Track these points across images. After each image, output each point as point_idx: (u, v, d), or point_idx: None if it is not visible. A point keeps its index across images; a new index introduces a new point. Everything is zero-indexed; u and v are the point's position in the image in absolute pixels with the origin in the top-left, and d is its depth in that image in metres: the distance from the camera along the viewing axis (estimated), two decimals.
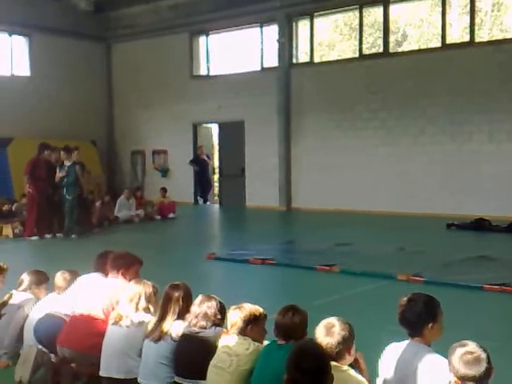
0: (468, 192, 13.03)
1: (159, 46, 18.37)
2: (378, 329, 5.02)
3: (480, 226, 11.08)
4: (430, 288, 6.99)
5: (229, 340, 3.34)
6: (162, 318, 3.63)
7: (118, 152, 19.80)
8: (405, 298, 3.10)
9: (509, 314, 6.17)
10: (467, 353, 2.51)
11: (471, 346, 2.54)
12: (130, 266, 4.22)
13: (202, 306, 3.54)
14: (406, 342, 3.06)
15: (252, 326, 3.35)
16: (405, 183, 13.98)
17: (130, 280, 4.04)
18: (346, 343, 2.93)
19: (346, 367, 2.92)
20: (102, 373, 3.74)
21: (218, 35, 18.06)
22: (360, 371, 3.02)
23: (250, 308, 3.40)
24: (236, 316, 3.37)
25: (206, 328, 3.50)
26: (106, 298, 4.00)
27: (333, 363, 2.80)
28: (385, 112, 14.37)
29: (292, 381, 2.54)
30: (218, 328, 3.51)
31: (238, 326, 3.35)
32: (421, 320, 3.00)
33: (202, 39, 18.24)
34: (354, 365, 3.03)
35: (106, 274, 4.29)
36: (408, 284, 7.18)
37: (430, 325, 3.00)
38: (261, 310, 3.44)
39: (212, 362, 3.28)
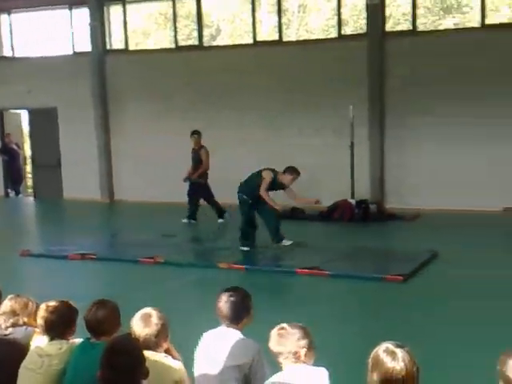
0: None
1: None
2: (197, 317, 5.10)
3: (294, 215, 11.91)
4: (249, 275, 7.53)
5: (41, 340, 3.23)
6: None
7: None
8: (224, 293, 3.30)
9: (320, 294, 6.83)
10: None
11: None
12: None
13: (8, 307, 3.40)
14: (221, 328, 3.28)
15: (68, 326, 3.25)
16: (218, 175, 14.37)
17: None
18: (163, 332, 3.04)
19: (162, 355, 3.02)
20: None
21: (22, 14, 16.90)
22: (175, 358, 3.14)
23: (60, 305, 3.28)
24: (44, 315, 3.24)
25: (14, 329, 3.35)
26: None
27: (149, 353, 2.88)
28: (204, 104, 14.65)
29: (104, 378, 2.52)
30: (29, 328, 3.37)
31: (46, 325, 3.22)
32: (240, 314, 3.25)
33: (4, 18, 16.93)
34: (168, 352, 3.13)
35: None
36: (229, 272, 7.59)
37: (246, 317, 3.29)
38: (71, 305, 3.34)
39: (23, 364, 3.11)
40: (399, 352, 2.25)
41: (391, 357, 2.23)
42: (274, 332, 2.85)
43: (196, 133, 12.04)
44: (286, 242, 8.83)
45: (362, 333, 5.34)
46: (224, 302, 3.24)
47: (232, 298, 3.25)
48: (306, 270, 7.45)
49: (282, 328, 2.85)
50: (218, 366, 3.11)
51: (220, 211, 11.70)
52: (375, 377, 2.24)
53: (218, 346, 3.18)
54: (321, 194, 12.81)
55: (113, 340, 2.81)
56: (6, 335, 3.31)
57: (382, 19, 13.34)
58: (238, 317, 3.24)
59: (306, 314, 5.62)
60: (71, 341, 3.23)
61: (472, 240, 9.20)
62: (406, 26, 13.62)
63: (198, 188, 11.72)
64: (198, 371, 3.23)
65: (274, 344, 2.82)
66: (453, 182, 12.39)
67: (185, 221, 11.56)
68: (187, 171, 11.95)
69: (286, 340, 2.79)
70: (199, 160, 11.78)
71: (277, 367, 2.87)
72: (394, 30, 13.71)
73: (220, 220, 11.59)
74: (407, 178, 12.93)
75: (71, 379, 3.01)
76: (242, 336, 3.22)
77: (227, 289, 3.35)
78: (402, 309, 6.18)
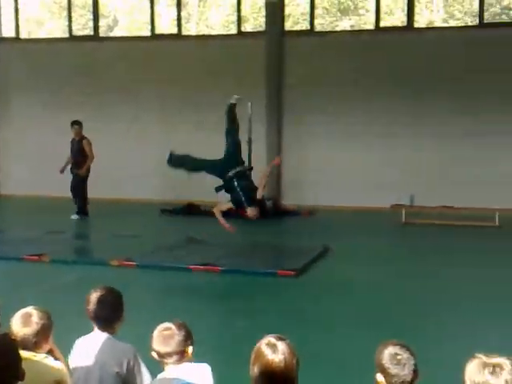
0: (178, 180, 13.63)
1: None
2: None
3: (191, 210, 11.76)
4: (141, 271, 7.34)
5: None
6: None
7: None
8: (94, 295, 3.08)
9: (212, 290, 6.77)
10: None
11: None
12: None
13: None
14: (93, 334, 3.09)
15: None
16: (117, 170, 14.01)
17: None
18: (44, 332, 2.88)
19: (42, 355, 2.87)
20: None
21: None
22: (57, 358, 2.99)
23: None
24: None
25: None
26: None
27: (28, 353, 2.74)
28: (98, 96, 14.21)
29: None
30: None
31: None
32: (112, 316, 3.06)
33: None
34: (51, 353, 2.98)
35: None
36: (120, 269, 7.36)
37: (119, 319, 3.09)
38: None
39: None
40: (280, 345, 2.26)
41: (272, 349, 2.24)
42: (159, 332, 2.73)
43: (77, 123, 11.61)
44: None
45: (252, 327, 5.32)
46: (94, 304, 3.04)
47: (103, 299, 3.05)
48: (200, 267, 7.37)
49: (168, 328, 2.74)
50: (94, 375, 2.95)
51: (82, 209, 11.34)
52: (256, 369, 2.25)
53: (91, 353, 2.99)
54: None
55: None
56: None
57: (281, 18, 13.50)
58: (110, 319, 3.05)
59: (195, 311, 5.58)
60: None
61: (361, 236, 9.52)
62: (304, 25, 13.87)
63: (81, 180, 11.38)
64: (74, 380, 3.03)
65: (158, 345, 2.71)
66: (346, 179, 12.77)
67: (74, 217, 11.15)
68: (66, 162, 11.62)
69: (171, 340, 2.70)
70: (80, 151, 11.39)
71: (156, 369, 2.77)
72: (293, 29, 13.92)
73: (74, 216, 11.22)
74: (304, 175, 13.18)
75: None
76: (115, 340, 3.04)
77: (98, 289, 3.14)
78: (292, 302, 6.24)
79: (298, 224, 11.03)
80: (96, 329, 3.06)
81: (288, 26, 13.87)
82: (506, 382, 1.97)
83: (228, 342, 5.00)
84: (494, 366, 2.00)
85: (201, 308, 5.78)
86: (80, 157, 11.38)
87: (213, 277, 7.16)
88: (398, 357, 2.27)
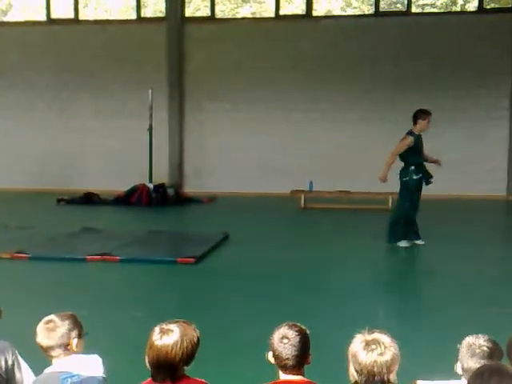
0: (76, 168, 13.35)
1: None
2: None
3: (89, 200, 11.51)
4: (35, 264, 7.10)
5: None
6: None
7: None
8: None
9: (109, 280, 6.68)
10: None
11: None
12: None
13: None
14: None
15: None
16: (11, 158, 13.49)
17: None
18: None
19: None
20: None
21: None
22: None
23: None
24: None
25: None
26: None
27: None
28: None
29: None
30: None
31: None
32: None
33: None
34: None
35: None
36: (13, 261, 7.11)
37: None
38: None
39: None
40: (174, 328, 2.32)
41: (166, 335, 2.29)
42: (41, 326, 2.66)
43: None
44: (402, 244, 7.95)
45: (148, 317, 5.29)
46: None
47: None
48: (97, 257, 7.22)
49: (50, 321, 2.67)
50: None
51: None
52: (149, 357, 2.30)
53: None
54: (119, 177, 12.65)
55: None
56: None
57: (182, 4, 13.39)
58: None
59: (89, 302, 5.48)
60: None
61: (261, 222, 9.69)
62: (205, 12, 13.83)
63: None
64: None
65: (42, 338, 2.64)
66: (247, 166, 12.93)
67: None
68: None
69: (55, 333, 2.63)
70: None
71: (40, 363, 2.71)
72: (194, 15, 13.85)
73: None
74: (205, 162, 13.23)
75: None
76: None
77: None
78: (191, 290, 6.26)
79: (199, 211, 11.06)
80: None
81: (189, 12, 13.79)
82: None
83: (116, 332, 4.94)
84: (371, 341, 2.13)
85: (96, 299, 5.69)
86: None
87: (110, 267, 7.05)
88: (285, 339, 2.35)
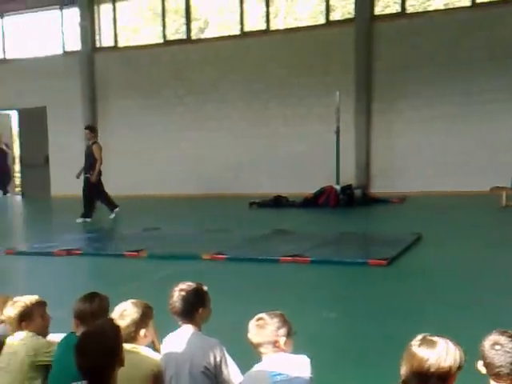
0: (268, 172, 13.87)
1: None
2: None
3: (278, 202, 11.84)
4: (232, 264, 7.47)
5: (12, 337, 3.20)
6: None
7: None
8: (175, 290, 3.15)
9: (302, 281, 6.77)
10: None
11: None
12: None
13: None
14: (179, 330, 3.14)
15: (28, 319, 3.22)
16: (212, 166, 14.45)
17: None
18: (137, 325, 2.98)
19: (137, 347, 2.96)
20: None
21: (14, 17, 16.96)
22: (156, 350, 3.09)
23: (24, 300, 3.25)
24: (10, 311, 3.23)
25: None
26: None
27: (127, 346, 2.83)
28: (191, 97, 14.67)
29: (78, 365, 2.45)
30: (8, 325, 3.32)
31: (12, 321, 3.22)
32: (192, 308, 3.10)
33: None
34: (152, 345, 3.09)
35: None
36: (212, 262, 7.53)
37: (201, 311, 3.13)
38: (34, 299, 3.29)
39: None
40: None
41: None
42: (253, 323, 2.80)
43: (87, 127, 11.73)
44: None
45: (342, 318, 5.26)
46: (174, 299, 3.12)
47: (183, 293, 3.13)
48: (289, 258, 7.38)
49: (260, 318, 2.80)
50: (184, 371, 3.00)
51: (87, 212, 11.38)
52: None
53: (179, 349, 3.05)
54: (306, 180, 12.88)
55: (88, 327, 2.76)
56: None
57: (371, 2, 13.24)
58: (189, 310, 3.11)
59: (286, 302, 5.57)
60: (51, 335, 3.19)
61: (457, 221, 9.13)
62: (395, 8, 13.51)
63: (92, 185, 11.35)
64: (167, 377, 3.07)
65: (252, 335, 2.77)
66: (440, 164, 12.31)
67: (80, 221, 11.33)
68: (82, 168, 11.61)
69: (264, 330, 2.75)
70: (92, 155, 11.33)
71: (247, 360, 2.83)
72: (383, 13, 13.61)
73: (112, 215, 11.44)
74: (393, 162, 12.88)
75: (57, 374, 2.96)
76: (201, 335, 3.10)
77: (178, 284, 3.22)
78: (384, 293, 6.09)
79: (387, 212, 10.78)
80: (182, 324, 3.13)
81: (377, 10, 13.59)
82: None
83: (319, 333, 4.94)
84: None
85: (290, 299, 5.78)
86: (90, 161, 11.38)
87: (302, 268, 7.14)
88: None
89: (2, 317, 3.35)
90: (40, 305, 3.29)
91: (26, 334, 3.17)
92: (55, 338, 3.25)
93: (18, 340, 3.16)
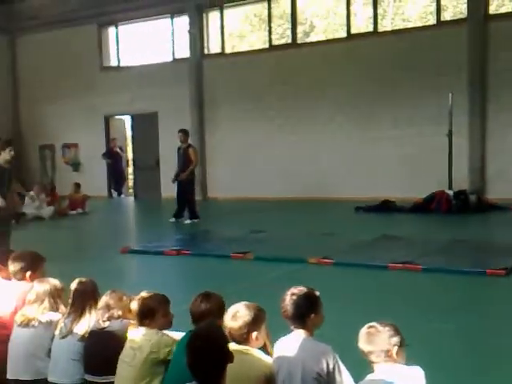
0: (374, 176, 13.59)
1: (67, 37, 17.84)
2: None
3: (386, 207, 11.55)
4: (338, 269, 7.33)
5: (135, 333, 3.29)
6: (70, 316, 3.55)
7: (25, 147, 19.08)
8: (287, 294, 3.12)
9: (413, 289, 6.51)
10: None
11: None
12: (36, 267, 4.08)
13: (104, 302, 3.49)
14: (291, 335, 3.10)
15: (151, 316, 3.28)
16: (315, 169, 14.36)
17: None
18: (249, 327, 2.97)
19: (249, 349, 2.95)
20: (9, 375, 3.61)
21: (127, 26, 17.79)
22: (268, 353, 3.07)
23: (149, 297, 3.33)
24: (135, 306, 3.32)
25: (110, 322, 3.44)
26: (13, 303, 3.86)
27: (239, 347, 2.88)
28: (295, 101, 14.67)
29: (189, 364, 2.51)
30: (124, 321, 3.44)
31: (136, 317, 3.31)
32: (303, 312, 3.05)
33: (112, 30, 17.91)
34: (264, 348, 3.08)
35: (7, 276, 4.12)
36: (318, 266, 7.41)
37: (313, 317, 3.07)
38: (159, 297, 3.37)
39: (120, 356, 3.21)
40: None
41: None
42: (364, 331, 2.75)
43: (181, 131, 11.85)
44: None
45: (460, 330, 4.99)
46: (286, 303, 3.10)
47: (294, 297, 3.09)
48: (399, 265, 7.12)
49: (372, 326, 2.74)
50: (296, 376, 2.96)
51: (193, 213, 11.49)
52: None
53: (291, 354, 3.01)
54: (415, 184, 12.47)
55: (198, 325, 2.85)
56: (103, 328, 3.42)
57: (485, 1, 12.67)
58: (301, 316, 3.06)
59: (396, 311, 5.37)
60: (170, 333, 3.27)
61: None
62: (511, 7, 12.88)
63: (186, 186, 11.51)
64: (279, 381, 3.05)
65: (363, 343, 2.72)
66: None
67: (172, 220, 11.52)
68: (175, 172, 11.79)
69: (376, 338, 2.69)
70: (186, 158, 11.51)
71: (356, 370, 2.76)
72: (498, 12, 12.98)
73: (188, 221, 11.48)
74: (511, 167, 12.18)
75: (175, 371, 3.03)
76: (314, 341, 3.05)
77: (291, 288, 3.19)
78: (504, 305, 5.72)
79: (505, 219, 10.17)
80: (294, 329, 3.09)
81: (492, 9, 12.97)
82: None
83: (435, 345, 4.71)
84: None
85: (401, 308, 5.57)
86: (185, 164, 11.55)
87: (413, 276, 6.87)
88: None
89: (120, 312, 3.45)
90: (164, 302, 3.36)
91: (149, 330, 3.24)
92: (176, 336, 3.28)
93: (142, 336, 3.23)
